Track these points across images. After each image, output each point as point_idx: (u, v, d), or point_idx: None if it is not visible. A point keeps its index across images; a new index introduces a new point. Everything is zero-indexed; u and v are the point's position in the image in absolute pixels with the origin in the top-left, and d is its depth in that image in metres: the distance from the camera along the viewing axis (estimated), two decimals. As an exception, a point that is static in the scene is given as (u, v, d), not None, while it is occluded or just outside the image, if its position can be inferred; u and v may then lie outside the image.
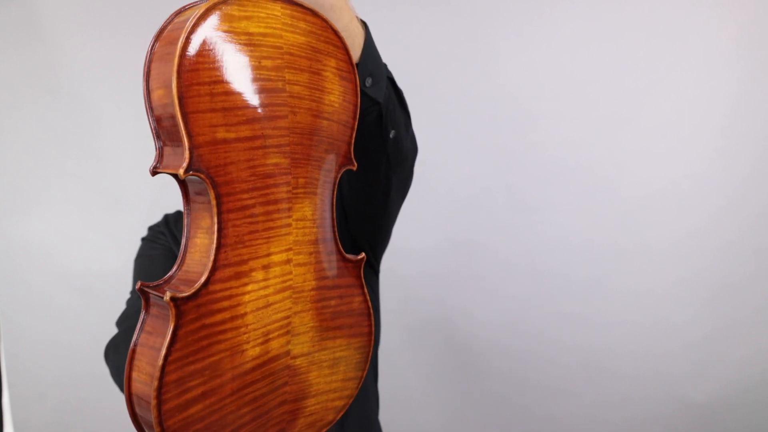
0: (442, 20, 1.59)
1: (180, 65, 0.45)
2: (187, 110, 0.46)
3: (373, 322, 0.66)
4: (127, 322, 0.85)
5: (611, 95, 1.57)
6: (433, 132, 1.60)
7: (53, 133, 1.69)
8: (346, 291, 0.63)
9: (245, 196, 0.51)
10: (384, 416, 1.03)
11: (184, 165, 0.47)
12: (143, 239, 1.00)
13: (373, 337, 0.67)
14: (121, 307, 0.91)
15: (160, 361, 0.46)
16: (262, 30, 0.50)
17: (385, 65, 0.71)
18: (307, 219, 0.57)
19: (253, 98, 0.50)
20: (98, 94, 1.66)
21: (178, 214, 1.04)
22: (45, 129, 1.69)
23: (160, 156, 0.50)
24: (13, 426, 1.80)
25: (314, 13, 0.54)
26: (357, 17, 0.66)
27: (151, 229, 1.01)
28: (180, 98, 0.45)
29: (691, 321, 1.63)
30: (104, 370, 0.85)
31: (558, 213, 1.65)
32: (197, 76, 0.46)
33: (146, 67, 0.49)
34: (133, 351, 0.49)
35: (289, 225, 0.55)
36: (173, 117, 0.46)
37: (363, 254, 0.65)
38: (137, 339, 0.50)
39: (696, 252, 1.60)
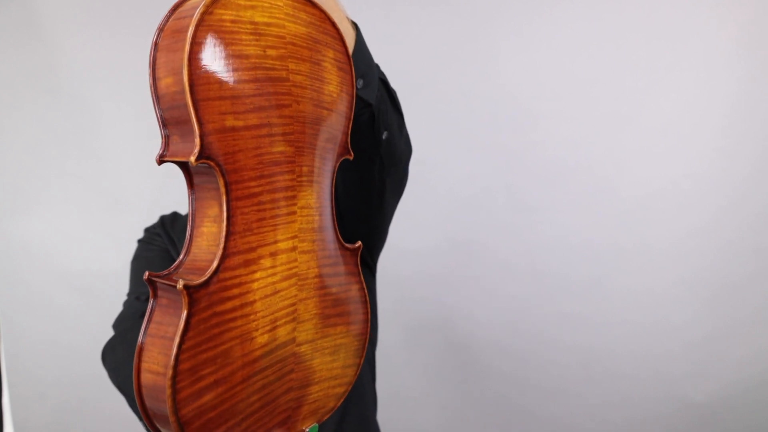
0: (442, 20, 1.59)
1: (191, 53, 0.46)
2: (197, 98, 0.47)
3: (369, 309, 0.67)
4: (123, 323, 0.85)
5: (611, 95, 1.57)
6: (433, 132, 1.60)
7: (53, 133, 1.69)
8: (345, 279, 0.64)
9: (253, 183, 0.52)
10: (382, 416, 1.03)
11: (196, 152, 0.47)
12: (139, 241, 0.99)
13: (369, 325, 0.68)
14: (121, 306, 0.91)
15: (174, 350, 0.46)
16: (266, 19, 0.51)
17: (377, 66, 0.71)
18: (311, 207, 0.58)
19: (259, 87, 0.51)
20: (98, 94, 1.66)
21: (174, 215, 1.03)
22: (45, 129, 1.69)
23: (167, 144, 0.50)
24: (13, 426, 1.80)
25: (313, 5, 0.55)
26: (348, 18, 0.66)
27: (147, 230, 1.01)
28: (191, 86, 0.46)
29: (691, 321, 1.63)
30: (104, 371, 0.85)
31: (558, 213, 1.65)
32: (207, 64, 0.47)
33: (152, 56, 0.49)
34: (142, 342, 0.49)
35: (294, 213, 0.56)
36: (184, 105, 0.47)
37: (359, 243, 0.66)
38: (146, 329, 0.50)
39: (696, 252, 1.60)
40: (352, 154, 0.63)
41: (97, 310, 1.48)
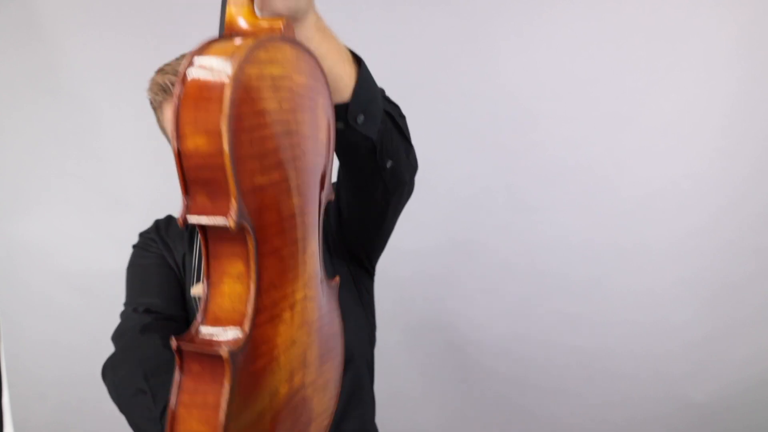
0: (442, 20, 1.59)
1: (230, 114, 0.44)
2: (235, 157, 0.44)
3: (343, 341, 0.68)
4: (123, 338, 0.84)
5: (611, 95, 1.57)
6: (433, 132, 1.60)
7: (53, 133, 1.69)
8: (331, 315, 0.64)
9: (276, 239, 0.51)
10: (382, 417, 1.03)
11: (234, 215, 0.45)
12: (134, 247, 0.98)
13: (344, 355, 0.69)
14: (121, 307, 0.91)
15: (222, 419, 0.45)
16: (279, 72, 0.50)
17: (382, 95, 0.70)
18: (314, 253, 0.58)
19: (279, 141, 0.50)
20: (98, 94, 1.66)
21: (168, 219, 1.02)
22: (45, 129, 1.69)
23: (192, 203, 0.47)
24: (13, 426, 1.80)
25: (310, 53, 0.55)
26: (350, 55, 0.64)
27: (141, 235, 0.99)
28: (230, 147, 0.44)
29: (691, 321, 1.63)
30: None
31: (558, 213, 1.65)
32: (240, 124, 0.45)
33: (176, 111, 0.45)
34: (175, 412, 0.47)
35: (305, 262, 0.56)
36: (219, 167, 0.44)
37: (338, 277, 0.67)
38: (178, 398, 0.47)
39: (696, 252, 1.60)
40: (333, 195, 0.64)
41: (97, 310, 1.48)
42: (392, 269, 1.38)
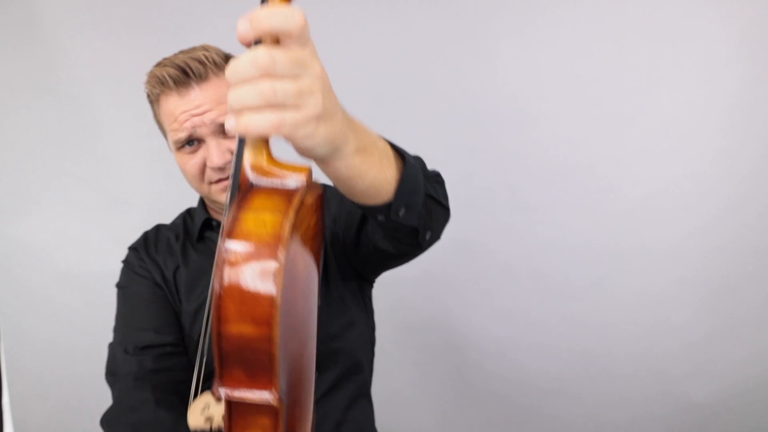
0: (442, 19, 1.59)
1: (281, 304, 0.42)
2: (281, 344, 0.43)
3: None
4: (117, 386, 0.85)
5: (611, 95, 1.57)
6: (433, 132, 1.60)
7: (53, 133, 1.69)
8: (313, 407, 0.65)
9: (295, 390, 0.51)
10: (380, 417, 1.03)
11: (277, 393, 0.44)
12: (124, 263, 0.97)
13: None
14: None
15: None
16: (304, 231, 0.47)
17: (421, 168, 0.66)
18: (313, 375, 0.59)
19: (300, 305, 0.49)
20: (98, 95, 1.66)
21: (157, 230, 1.00)
22: (45, 129, 1.69)
23: (228, 378, 0.45)
24: (13, 426, 1.80)
25: (320, 186, 0.52)
26: (391, 152, 0.60)
27: (130, 250, 0.98)
28: (280, 333, 0.43)
29: (690, 321, 1.63)
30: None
31: (558, 213, 1.64)
32: (285, 307, 0.44)
33: (217, 295, 0.43)
34: None
35: (311, 391, 0.57)
36: (266, 351, 0.43)
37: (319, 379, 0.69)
38: None
39: (696, 252, 1.60)
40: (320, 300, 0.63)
41: (97, 310, 1.48)
42: (393, 269, 1.38)
